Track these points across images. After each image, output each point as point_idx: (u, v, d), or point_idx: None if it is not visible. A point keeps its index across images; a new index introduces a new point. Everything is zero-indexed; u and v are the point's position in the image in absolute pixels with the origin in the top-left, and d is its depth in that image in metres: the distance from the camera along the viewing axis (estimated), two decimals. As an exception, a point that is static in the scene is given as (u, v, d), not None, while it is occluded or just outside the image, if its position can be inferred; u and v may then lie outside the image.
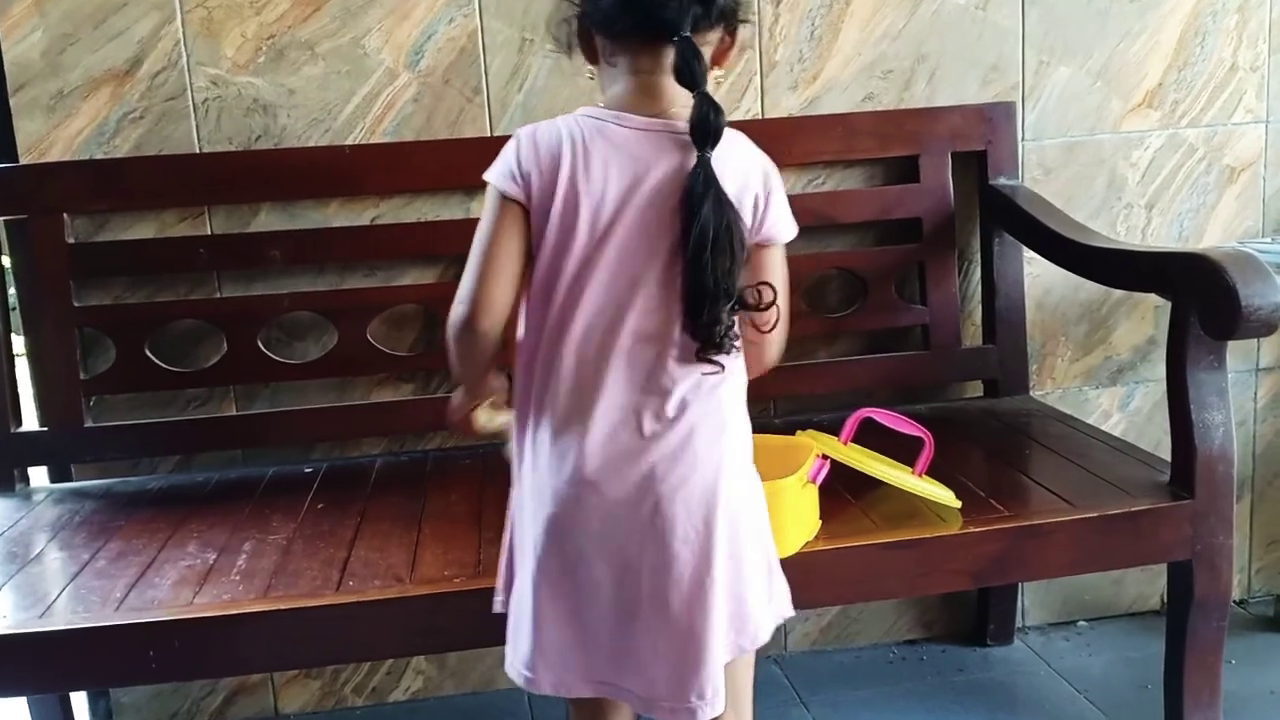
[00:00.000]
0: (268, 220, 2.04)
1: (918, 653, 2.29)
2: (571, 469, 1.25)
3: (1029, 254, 2.14)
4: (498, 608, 1.37)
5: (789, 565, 1.52)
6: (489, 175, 1.29)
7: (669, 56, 1.23)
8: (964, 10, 2.15)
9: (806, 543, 1.56)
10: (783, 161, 2.05)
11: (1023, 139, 2.19)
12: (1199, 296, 1.57)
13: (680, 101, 1.25)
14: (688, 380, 1.25)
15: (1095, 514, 1.61)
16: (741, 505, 1.29)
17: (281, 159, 2.00)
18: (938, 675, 2.20)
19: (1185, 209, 2.28)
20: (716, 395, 1.27)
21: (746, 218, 1.27)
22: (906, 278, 2.19)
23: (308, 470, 2.03)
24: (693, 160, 1.22)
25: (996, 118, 2.14)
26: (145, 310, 2.01)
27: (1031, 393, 2.22)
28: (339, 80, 2.01)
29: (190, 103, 1.98)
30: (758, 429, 1.86)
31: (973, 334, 2.23)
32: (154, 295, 2.02)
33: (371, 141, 2.03)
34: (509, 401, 1.36)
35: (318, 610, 1.49)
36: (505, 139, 1.96)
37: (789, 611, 1.37)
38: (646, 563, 1.24)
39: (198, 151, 1.99)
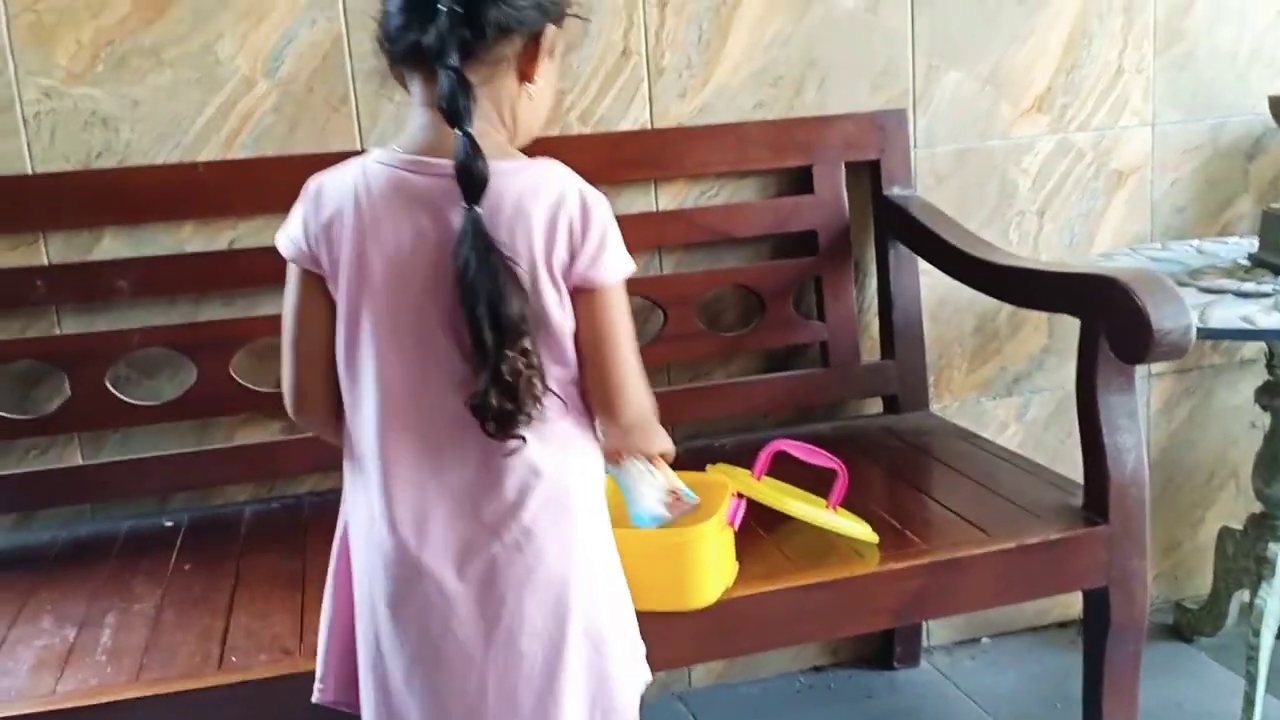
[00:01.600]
0: (112, 247, 1.94)
1: (825, 680, 2.33)
2: (403, 563, 1.19)
3: (924, 264, 2.19)
4: (316, 696, 1.33)
5: (707, 614, 1.53)
6: (278, 242, 1.24)
7: None
8: (853, 14, 2.18)
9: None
10: (675, 173, 2.13)
11: (915, 146, 2.24)
12: (1109, 320, 1.63)
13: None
14: (520, 456, 1.18)
15: (1013, 544, 1.66)
16: (600, 585, 1.25)
17: (126, 178, 1.90)
18: (846, 703, 2.24)
19: (1075, 215, 2.37)
20: (559, 466, 1.21)
21: (556, 257, 1.17)
22: (804, 293, 2.22)
23: (168, 524, 1.95)
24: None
25: (889, 125, 2.18)
26: (-26, 351, 1.89)
27: (930, 407, 2.27)
28: (189, 90, 1.92)
29: (19, 117, 1.87)
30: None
31: (870, 348, 2.27)
32: (-17, 334, 1.91)
33: (227, 157, 1.95)
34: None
35: (200, 694, 1.42)
36: (377, 153, 2.01)
37: (647, 676, 1.33)
38: (493, 665, 1.19)
39: (30, 172, 1.88)
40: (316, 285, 1.22)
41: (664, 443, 1.37)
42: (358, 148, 2.00)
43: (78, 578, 1.75)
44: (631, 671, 1.29)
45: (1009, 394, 2.40)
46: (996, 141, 2.30)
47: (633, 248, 2.08)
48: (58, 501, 1.96)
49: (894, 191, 2.18)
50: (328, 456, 1.98)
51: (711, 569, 1.53)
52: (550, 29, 1.20)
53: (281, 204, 1.93)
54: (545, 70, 1.22)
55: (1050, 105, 2.32)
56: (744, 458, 1.97)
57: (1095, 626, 1.74)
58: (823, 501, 1.71)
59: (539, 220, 1.16)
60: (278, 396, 1.97)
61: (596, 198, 1.20)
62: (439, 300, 1.16)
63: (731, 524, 1.56)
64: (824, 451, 1.72)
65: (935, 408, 2.30)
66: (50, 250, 1.91)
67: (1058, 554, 1.68)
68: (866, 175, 2.21)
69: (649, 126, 2.11)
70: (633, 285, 2.10)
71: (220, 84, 1.93)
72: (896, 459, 2.03)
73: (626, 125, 2.10)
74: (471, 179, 1.13)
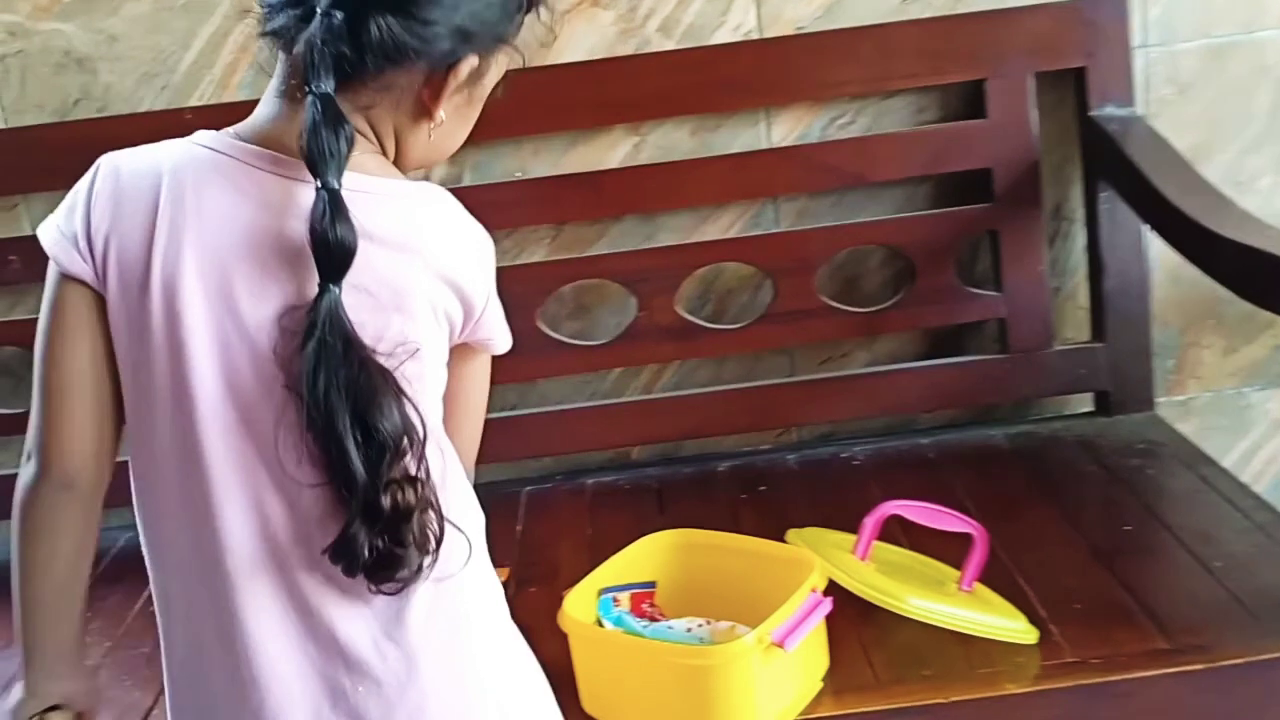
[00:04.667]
0: (99, 212, 1.80)
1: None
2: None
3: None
4: None
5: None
6: (41, 233, 0.97)
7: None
8: None
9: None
10: (792, 98, 1.81)
11: (1144, 44, 1.82)
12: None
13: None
14: (383, 613, 0.95)
15: (1200, 665, 1.25)
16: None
17: (108, 130, 1.77)
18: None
19: (1395, 131, 1.86)
20: (439, 629, 0.97)
21: (448, 309, 0.97)
22: (974, 254, 1.90)
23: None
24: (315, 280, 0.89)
25: (1100, 18, 1.79)
26: (-57, 336, 1.81)
27: (1169, 397, 1.92)
28: (172, 19, 1.78)
29: (-17, 61, 1.77)
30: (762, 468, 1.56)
31: (1078, 324, 1.91)
32: (-45, 315, 1.84)
33: (223, 101, 1.80)
34: None
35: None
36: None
37: None
38: None
39: (2, 125, 1.79)
40: (86, 300, 0.96)
41: None
42: (381, 80, 1.76)
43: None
44: None
45: (1287, 382, 1.97)
46: (1268, 33, 1.84)
47: (737, 195, 1.83)
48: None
49: (1106, 112, 1.79)
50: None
51: (754, 700, 1.22)
52: (471, 61, 0.96)
53: (292, 154, 1.78)
54: (461, 102, 1.00)
55: (1355, -26, 1.81)
56: (880, 476, 1.75)
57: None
58: (954, 574, 1.39)
59: (437, 261, 0.96)
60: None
61: (488, 241, 1.04)
62: (281, 361, 0.91)
63: (781, 645, 1.20)
64: (952, 512, 1.42)
65: (1176, 399, 1.93)
66: (31, 218, 1.81)
67: (1270, 680, 1.25)
68: (1069, 90, 1.83)
69: (756, 35, 1.81)
70: (734, 246, 1.85)
71: (209, 10, 1.79)
72: (1085, 495, 1.67)
73: (724, 35, 1.81)
74: (330, 252, 0.88)
